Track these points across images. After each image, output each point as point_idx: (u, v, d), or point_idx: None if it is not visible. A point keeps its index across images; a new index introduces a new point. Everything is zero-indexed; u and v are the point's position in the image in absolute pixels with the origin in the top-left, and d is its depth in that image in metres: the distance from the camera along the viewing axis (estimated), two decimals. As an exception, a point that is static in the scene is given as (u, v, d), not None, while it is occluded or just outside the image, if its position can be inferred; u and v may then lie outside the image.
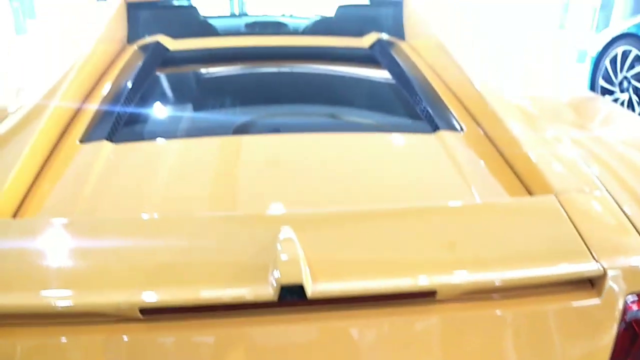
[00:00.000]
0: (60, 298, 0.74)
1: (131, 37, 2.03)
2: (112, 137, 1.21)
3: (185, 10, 2.29)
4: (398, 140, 1.26)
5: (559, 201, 0.94)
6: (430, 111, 1.36)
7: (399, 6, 2.19)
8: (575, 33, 8.80)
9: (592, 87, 4.62)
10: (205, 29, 2.28)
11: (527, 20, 9.08)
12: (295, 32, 2.51)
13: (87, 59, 1.62)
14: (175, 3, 2.22)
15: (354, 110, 1.56)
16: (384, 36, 2.08)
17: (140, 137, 1.26)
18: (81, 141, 1.20)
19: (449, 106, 1.42)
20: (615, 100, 4.37)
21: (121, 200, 1.02)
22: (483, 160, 1.16)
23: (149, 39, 1.97)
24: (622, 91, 4.34)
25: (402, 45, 2.01)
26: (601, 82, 4.50)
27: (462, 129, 1.30)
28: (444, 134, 1.25)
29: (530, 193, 1.04)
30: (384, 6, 2.27)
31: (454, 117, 1.36)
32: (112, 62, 1.76)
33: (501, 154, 1.18)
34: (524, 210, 0.95)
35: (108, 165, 1.11)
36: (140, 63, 1.68)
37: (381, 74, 1.78)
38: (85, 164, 1.11)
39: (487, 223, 0.90)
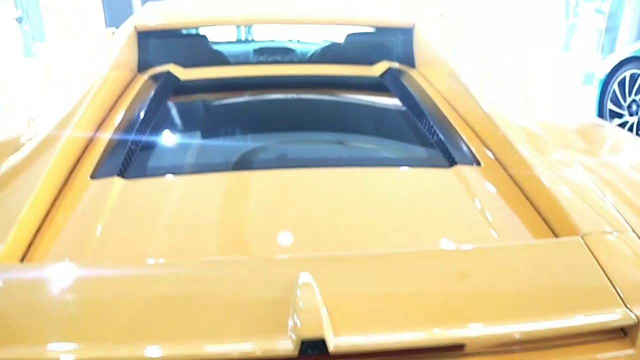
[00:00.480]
0: (64, 352, 0.71)
1: (142, 66, 2.03)
2: (123, 173, 1.19)
3: (194, 38, 2.29)
4: (415, 176, 1.24)
5: (586, 243, 0.91)
6: (445, 143, 1.34)
7: (408, 34, 2.18)
8: (581, 55, 8.82)
9: (600, 110, 4.60)
10: (215, 56, 2.28)
11: (531, 42, 9.11)
12: (304, 58, 2.51)
13: (99, 89, 1.61)
14: (185, 31, 2.21)
15: (368, 143, 1.54)
16: (395, 64, 2.07)
17: (152, 172, 1.24)
18: (92, 177, 1.18)
19: (465, 138, 1.40)
20: (625, 123, 4.35)
21: (132, 243, 0.99)
22: (504, 198, 1.13)
23: (159, 68, 1.97)
24: (631, 114, 4.31)
25: (413, 73, 1.99)
26: (610, 105, 4.48)
27: (479, 163, 1.27)
28: (461, 169, 1.22)
29: (554, 233, 1.01)
30: (393, 34, 2.26)
31: (470, 149, 1.33)
32: (123, 92, 1.75)
33: (522, 191, 1.15)
34: (550, 253, 0.91)
35: (119, 204, 1.08)
36: (151, 93, 1.67)
37: (393, 104, 1.76)
38: (95, 203, 1.09)
39: (513, 267, 0.86)
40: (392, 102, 1.77)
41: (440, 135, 1.38)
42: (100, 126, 1.46)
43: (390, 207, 1.11)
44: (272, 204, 1.09)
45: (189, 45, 2.23)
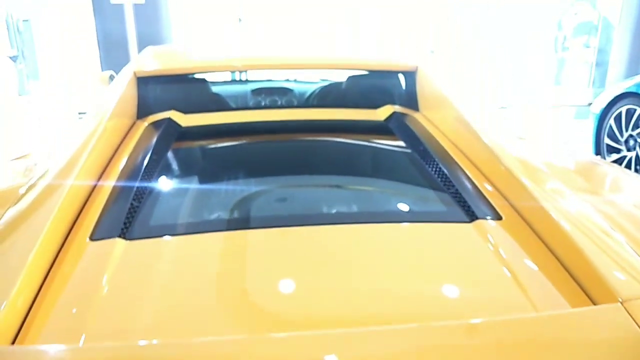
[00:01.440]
0: None
1: (141, 112, 1.98)
2: (125, 233, 1.12)
3: (194, 82, 2.26)
4: (434, 233, 1.17)
5: (627, 310, 0.84)
6: (463, 195, 1.28)
7: (411, 76, 2.16)
8: (572, 89, 8.94)
9: (597, 144, 4.60)
10: (214, 100, 2.24)
11: (524, 76, 9.23)
12: (303, 100, 2.47)
13: (98, 139, 1.55)
14: (185, 74, 2.17)
15: (380, 195, 1.48)
16: (398, 108, 2.03)
17: (156, 232, 1.16)
18: (92, 238, 1.11)
19: (481, 188, 1.34)
20: (623, 158, 4.34)
21: (135, 318, 0.91)
22: (531, 257, 1.07)
23: (159, 115, 1.92)
24: (628, 149, 4.31)
25: (418, 117, 1.96)
26: (607, 140, 4.49)
27: (500, 216, 1.21)
28: (482, 224, 1.16)
29: (590, 298, 0.94)
30: (396, 77, 2.24)
31: (489, 201, 1.27)
32: (123, 141, 1.70)
33: (549, 248, 1.09)
34: (589, 323, 0.84)
35: (120, 271, 1.01)
36: (152, 143, 1.62)
37: (402, 151, 1.71)
38: (95, 269, 1.01)
39: (553, 341, 0.79)
40: (400, 148, 1.73)
41: (456, 186, 1.33)
42: (99, 179, 1.39)
43: (411, 272, 1.04)
44: (286, 269, 1.02)
45: (188, 90, 2.19)
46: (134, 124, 1.92)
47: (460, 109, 1.79)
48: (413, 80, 2.14)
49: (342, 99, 2.26)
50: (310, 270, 1.02)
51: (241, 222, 1.22)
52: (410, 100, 2.11)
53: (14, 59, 11.12)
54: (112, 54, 6.62)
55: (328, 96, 2.36)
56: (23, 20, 11.75)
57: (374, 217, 1.24)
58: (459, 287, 0.99)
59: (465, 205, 1.24)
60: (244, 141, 1.86)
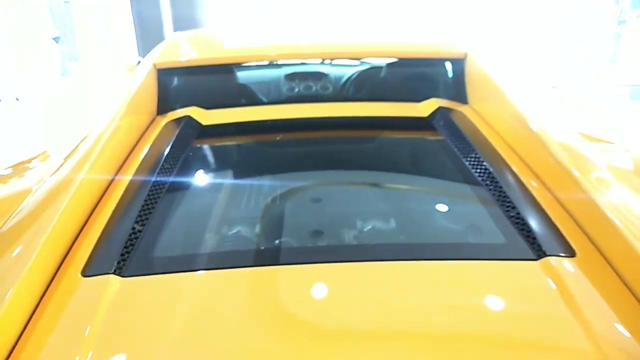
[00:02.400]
0: None
1: (162, 108, 1.83)
2: (121, 268, 0.96)
3: (219, 72, 2.06)
4: (494, 274, 0.95)
5: None
6: (526, 221, 1.06)
7: (459, 64, 1.92)
8: (628, 67, 8.32)
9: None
10: (242, 90, 2.06)
11: (574, 52, 8.66)
12: (338, 87, 2.24)
13: (108, 141, 1.40)
14: (209, 65, 1.99)
15: (425, 220, 1.25)
16: (444, 102, 1.80)
17: (159, 266, 1.00)
18: (84, 274, 0.96)
19: (548, 210, 1.11)
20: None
21: None
22: (614, 307, 0.86)
23: (180, 112, 1.76)
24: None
25: (467, 112, 1.73)
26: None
27: (573, 252, 0.98)
28: (553, 262, 0.94)
29: None
30: (441, 64, 2.00)
31: (558, 230, 1.05)
32: (138, 143, 1.55)
33: (630, 290, 0.88)
34: None
35: (112, 315, 0.85)
36: (166, 149, 1.45)
37: (448, 159, 1.48)
38: (85, 313, 0.87)
39: None
40: (446, 155, 1.50)
41: (518, 208, 1.11)
42: (104, 193, 1.24)
43: (475, 324, 0.84)
44: (319, 321, 0.85)
45: (212, 82, 2.01)
46: (153, 120, 1.77)
47: (518, 103, 1.55)
48: (461, 68, 1.91)
49: (381, 89, 2.04)
50: (357, 320, 0.84)
51: (267, 255, 1.05)
52: (458, 91, 1.88)
53: (56, 39, 11.28)
54: (148, 38, 6.53)
55: (365, 84, 2.13)
56: (64, 2, 11.89)
57: (421, 251, 1.03)
58: (532, 345, 0.79)
59: (530, 236, 1.02)
60: (269, 145, 1.69)
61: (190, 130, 1.60)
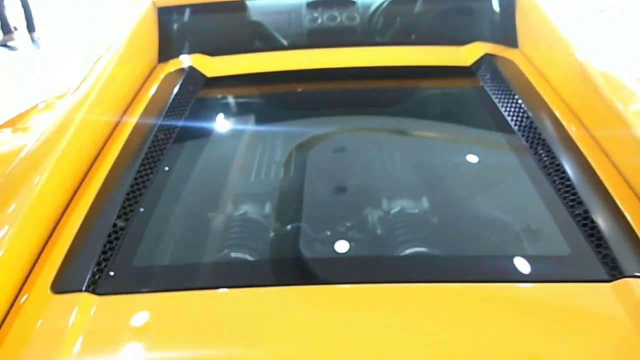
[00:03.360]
0: None
1: (163, 54, 1.60)
2: (96, 283, 0.79)
3: (228, 8, 1.78)
4: (555, 299, 0.75)
5: None
6: (596, 223, 0.83)
7: (509, 1, 1.61)
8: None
9: None
10: (254, 32, 1.80)
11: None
12: (367, 16, 1.92)
13: (94, 103, 1.19)
14: (218, 2, 1.72)
15: (467, 225, 1.00)
16: (490, 47, 1.52)
17: (143, 282, 0.82)
18: (53, 289, 0.79)
19: (625, 209, 0.87)
20: None
21: None
22: None
23: (183, 60, 1.53)
24: None
25: (517, 60, 1.46)
26: None
27: None
28: (631, 285, 0.73)
29: None
30: (487, 0, 1.70)
31: (638, 237, 0.82)
32: (135, 99, 1.34)
33: None
34: None
35: (83, 344, 0.69)
36: (163, 111, 1.24)
37: (496, 128, 1.22)
38: (50, 338, 0.71)
39: None
40: (493, 122, 1.23)
41: (585, 203, 0.87)
42: (86, 175, 1.03)
43: None
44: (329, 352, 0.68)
45: (222, 23, 1.74)
46: (154, 68, 1.55)
47: (579, 50, 1.28)
48: (512, 6, 1.60)
49: (417, 27, 1.75)
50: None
51: (274, 270, 0.87)
52: (507, 33, 1.59)
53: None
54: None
55: (398, 21, 1.82)
56: None
57: (465, 270, 0.82)
58: None
59: (601, 246, 0.80)
60: (284, 104, 1.45)
61: (192, 87, 1.38)
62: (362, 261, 0.91)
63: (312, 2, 1.98)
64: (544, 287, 0.76)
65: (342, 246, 0.91)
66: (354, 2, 1.88)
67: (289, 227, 1.00)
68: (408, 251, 0.92)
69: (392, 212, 1.02)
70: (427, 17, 1.73)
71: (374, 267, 0.86)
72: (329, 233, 0.95)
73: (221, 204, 1.06)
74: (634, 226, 0.84)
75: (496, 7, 1.66)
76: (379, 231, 0.99)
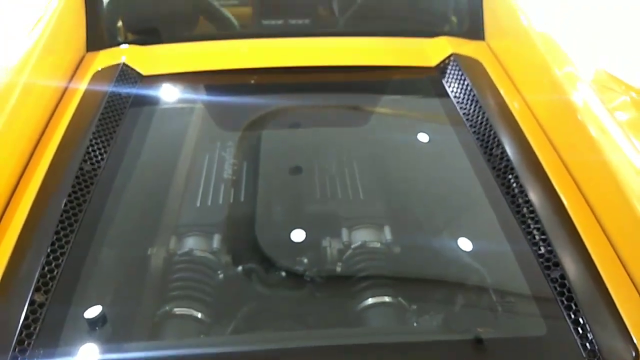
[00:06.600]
0: None
1: (92, 42, 1.40)
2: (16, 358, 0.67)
3: None
4: None
5: None
6: (571, 286, 0.74)
7: None
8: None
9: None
10: (197, 13, 1.60)
11: None
12: (327, 6, 1.74)
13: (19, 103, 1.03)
14: None
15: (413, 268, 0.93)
16: (455, 42, 1.40)
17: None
18: None
19: (602, 271, 0.76)
20: None
21: None
22: None
23: (114, 52, 1.35)
24: None
25: (484, 56, 1.35)
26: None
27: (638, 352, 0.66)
28: None
29: None
30: None
31: (618, 312, 0.71)
32: (62, 99, 1.17)
33: None
34: None
35: None
36: (94, 119, 1.07)
37: (458, 150, 1.10)
38: None
39: None
40: (458, 142, 1.11)
41: (560, 263, 0.77)
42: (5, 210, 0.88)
43: None
44: None
45: (159, 3, 1.53)
46: (82, 59, 1.36)
47: (545, 46, 1.19)
48: None
49: (381, 15, 1.59)
50: None
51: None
52: (474, 25, 1.48)
53: None
54: None
55: (360, 6, 1.63)
56: None
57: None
58: None
59: (575, 320, 0.71)
60: (230, 112, 1.29)
61: (125, 92, 1.20)
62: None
63: None
64: None
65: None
66: None
67: (241, 266, 0.91)
68: (370, 300, 0.84)
69: (347, 251, 0.94)
70: (390, 5, 1.59)
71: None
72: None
73: (161, 249, 0.93)
74: (615, 300, 0.73)
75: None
76: (335, 267, 0.92)
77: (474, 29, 1.47)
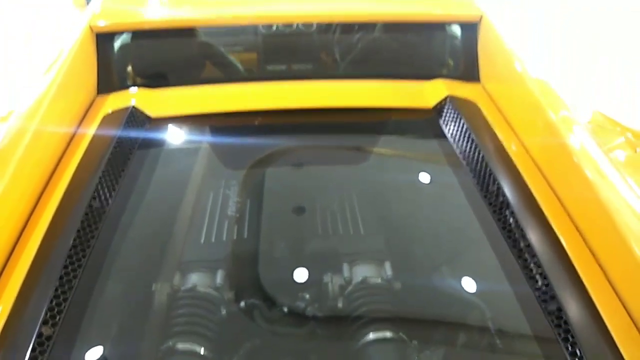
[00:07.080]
0: None
1: (103, 85, 1.46)
2: None
3: (177, 34, 1.61)
4: None
5: None
6: (569, 322, 0.76)
7: (472, 30, 1.56)
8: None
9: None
10: (203, 59, 1.67)
11: None
12: (328, 52, 1.80)
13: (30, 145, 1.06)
14: (165, 26, 1.57)
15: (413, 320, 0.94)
16: (452, 84, 1.45)
17: None
18: None
19: (600, 306, 0.78)
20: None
21: None
22: None
23: (124, 96, 1.40)
24: None
25: (480, 98, 1.40)
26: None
27: None
28: None
29: None
30: (448, 30, 1.64)
31: (615, 344, 0.73)
32: (72, 140, 1.21)
33: None
34: None
35: None
36: (100, 164, 1.11)
37: (460, 196, 1.12)
38: None
39: None
40: (458, 186, 1.14)
41: (559, 300, 0.79)
42: (6, 263, 0.88)
43: None
44: None
45: (170, 50, 1.59)
46: (93, 102, 1.41)
47: (538, 89, 1.23)
48: (474, 35, 1.55)
49: (378, 60, 1.65)
50: None
51: None
52: (469, 67, 1.54)
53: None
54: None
55: (359, 51, 1.69)
56: None
57: None
58: None
59: (574, 354, 0.72)
60: (236, 155, 1.34)
61: (133, 134, 1.24)
62: None
63: (267, 32, 1.83)
64: None
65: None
66: (311, 34, 1.77)
67: (244, 303, 0.93)
68: (372, 337, 0.86)
69: (348, 287, 0.96)
70: (388, 50, 1.65)
71: None
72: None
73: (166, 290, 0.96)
74: (612, 334, 0.75)
75: (459, 40, 1.61)
76: (336, 302, 0.93)
77: (470, 72, 1.53)
